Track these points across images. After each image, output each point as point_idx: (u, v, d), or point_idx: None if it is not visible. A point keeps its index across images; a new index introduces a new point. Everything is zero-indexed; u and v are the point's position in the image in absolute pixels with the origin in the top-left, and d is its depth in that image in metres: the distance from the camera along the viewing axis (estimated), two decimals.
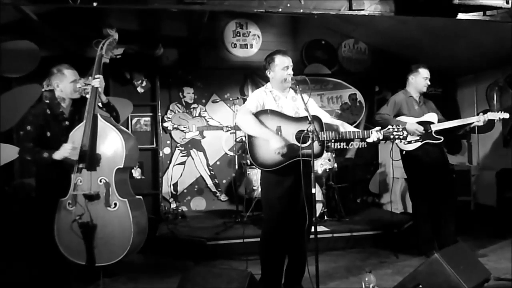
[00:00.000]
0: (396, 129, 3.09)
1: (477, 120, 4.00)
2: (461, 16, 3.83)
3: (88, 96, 3.20)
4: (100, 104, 3.28)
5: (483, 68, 6.15)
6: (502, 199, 5.71)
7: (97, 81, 3.22)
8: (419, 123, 4.09)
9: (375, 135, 3.05)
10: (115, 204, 3.04)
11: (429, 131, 4.08)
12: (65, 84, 3.28)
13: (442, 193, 4.16)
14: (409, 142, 4.11)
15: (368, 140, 3.09)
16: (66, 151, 3.03)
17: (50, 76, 3.30)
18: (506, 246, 4.47)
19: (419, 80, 4.18)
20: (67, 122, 3.32)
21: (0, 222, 4.50)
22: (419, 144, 4.10)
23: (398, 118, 4.16)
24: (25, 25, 5.04)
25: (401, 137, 3.09)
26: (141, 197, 3.29)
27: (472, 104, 6.50)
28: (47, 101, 3.32)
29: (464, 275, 2.65)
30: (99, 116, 3.14)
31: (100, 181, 3.06)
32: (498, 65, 5.92)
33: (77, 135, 3.11)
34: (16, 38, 5.26)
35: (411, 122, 4.07)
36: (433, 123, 4.11)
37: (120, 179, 3.14)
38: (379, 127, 3.11)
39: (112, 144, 3.10)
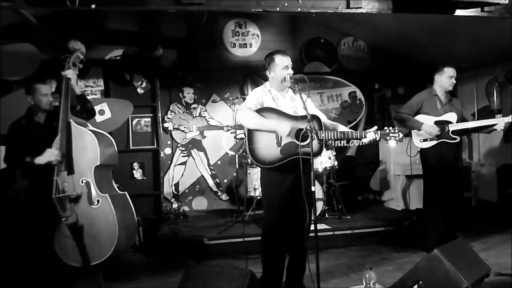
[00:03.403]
0: (392, 131, 3.14)
1: (497, 122, 4.07)
2: (459, 12, 3.83)
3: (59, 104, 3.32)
4: (75, 97, 3.38)
5: (483, 64, 6.13)
6: (502, 195, 5.72)
7: (70, 71, 3.34)
8: (438, 122, 4.16)
9: (370, 135, 3.12)
10: (98, 201, 3.14)
11: (446, 130, 4.14)
12: (37, 97, 3.40)
13: (452, 192, 4.20)
14: (425, 140, 4.20)
15: (364, 140, 3.15)
16: (50, 155, 3.15)
17: (27, 89, 3.46)
18: (506, 241, 4.47)
19: (444, 79, 4.21)
20: (43, 129, 3.43)
21: (4, 225, 4.53)
22: (434, 142, 4.17)
23: (417, 117, 4.25)
24: (24, 28, 5.06)
25: (397, 138, 3.15)
26: (125, 192, 3.39)
27: (472, 100, 6.50)
28: (24, 114, 3.48)
29: (464, 271, 2.65)
30: (72, 122, 3.27)
31: (82, 182, 3.18)
32: (498, 61, 5.91)
33: (56, 145, 3.23)
34: (16, 41, 5.28)
35: (429, 122, 4.16)
36: (451, 122, 4.17)
37: (100, 176, 3.25)
38: (375, 128, 3.17)
39: (86, 145, 3.23)
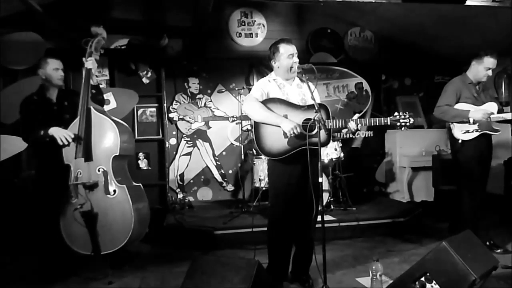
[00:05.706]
0: (402, 116, 3.03)
1: None
2: (469, 2, 3.78)
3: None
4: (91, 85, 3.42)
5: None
6: (509, 188, 5.68)
7: (90, 62, 3.37)
8: None
9: (352, 124, 2.98)
10: (114, 191, 3.15)
11: (489, 121, 3.80)
12: (48, 71, 3.42)
13: (482, 184, 4.01)
14: (467, 131, 3.87)
15: (349, 127, 3.00)
16: (62, 133, 3.17)
17: (38, 64, 3.49)
18: None
19: (480, 68, 3.86)
20: (55, 107, 3.46)
21: (10, 214, 4.55)
22: (477, 134, 3.84)
23: (457, 106, 3.90)
24: (29, 17, 5.03)
25: (407, 124, 3.02)
26: (140, 184, 3.39)
27: None
28: (35, 90, 3.50)
29: (472, 263, 2.63)
30: (92, 109, 3.26)
31: (99, 170, 3.17)
32: (507, 53, 5.83)
33: (74, 129, 3.24)
34: (21, 29, 5.26)
35: (474, 109, 3.82)
36: (493, 113, 3.81)
37: (118, 167, 3.24)
38: (357, 115, 3.06)
39: (107, 134, 3.21)
